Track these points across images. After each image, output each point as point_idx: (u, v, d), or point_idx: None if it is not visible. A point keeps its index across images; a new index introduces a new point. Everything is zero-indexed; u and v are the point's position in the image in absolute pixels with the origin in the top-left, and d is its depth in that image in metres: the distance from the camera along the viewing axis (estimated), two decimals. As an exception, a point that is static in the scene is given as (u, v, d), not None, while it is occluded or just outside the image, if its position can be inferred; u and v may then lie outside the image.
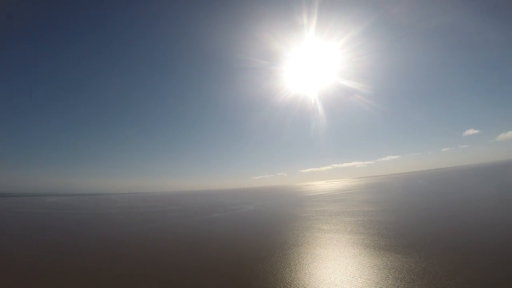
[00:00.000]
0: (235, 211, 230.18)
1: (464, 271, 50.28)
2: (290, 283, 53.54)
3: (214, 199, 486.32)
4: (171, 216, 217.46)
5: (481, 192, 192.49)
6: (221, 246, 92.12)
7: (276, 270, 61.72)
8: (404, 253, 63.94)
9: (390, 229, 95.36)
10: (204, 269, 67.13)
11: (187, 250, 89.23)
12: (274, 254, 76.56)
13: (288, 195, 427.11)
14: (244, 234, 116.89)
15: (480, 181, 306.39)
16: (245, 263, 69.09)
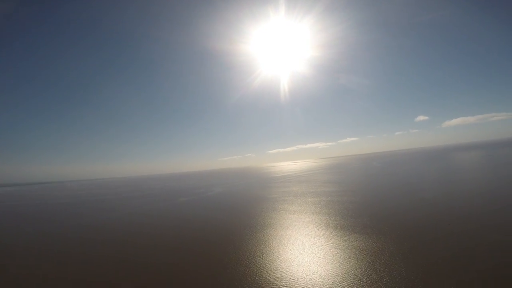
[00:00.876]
0: (202, 195, 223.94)
1: (415, 249, 56.19)
2: (262, 266, 54.53)
3: (179, 183, 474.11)
4: (134, 204, 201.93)
5: (425, 173, 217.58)
6: (189, 233, 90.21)
7: (247, 254, 62.37)
8: (363, 233, 69.24)
9: (350, 209, 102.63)
10: (169, 259, 65.13)
11: (150, 242, 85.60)
12: (244, 237, 77.39)
13: (255, 177, 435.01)
14: (212, 218, 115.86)
15: (425, 163, 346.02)
16: (214, 249, 68.69)
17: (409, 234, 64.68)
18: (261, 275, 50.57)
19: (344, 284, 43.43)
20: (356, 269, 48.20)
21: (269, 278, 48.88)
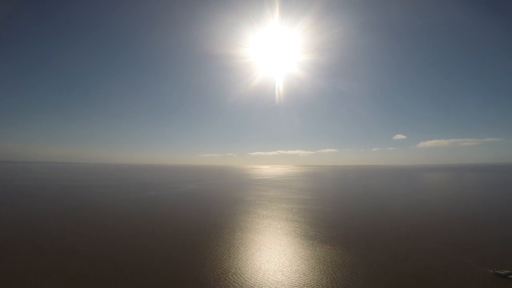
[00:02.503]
0: (174, 190, 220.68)
1: (377, 261, 57.98)
2: (227, 270, 53.46)
3: (153, 175, 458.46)
4: (100, 193, 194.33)
5: (394, 190, 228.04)
6: (150, 229, 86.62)
7: (213, 256, 60.95)
8: (330, 245, 70.64)
9: (320, 218, 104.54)
10: (123, 257, 61.94)
11: (109, 235, 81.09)
12: (212, 239, 75.72)
13: (234, 177, 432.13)
14: (182, 215, 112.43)
15: (396, 180, 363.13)
16: (177, 249, 66.41)
17: (372, 249, 66.80)
18: (225, 279, 49.55)
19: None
20: (319, 281, 48.73)
21: (233, 283, 47.97)
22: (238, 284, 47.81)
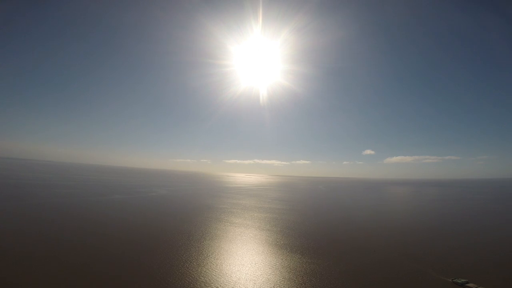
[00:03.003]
0: (142, 194, 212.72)
1: (345, 271, 59.78)
2: (196, 278, 51.51)
3: (121, 178, 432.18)
4: (59, 193, 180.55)
5: (361, 201, 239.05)
6: (113, 234, 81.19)
7: (181, 264, 58.47)
8: (300, 254, 71.62)
9: (291, 228, 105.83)
10: (80, 259, 57.24)
11: (67, 238, 74.69)
12: (181, 246, 72.74)
13: (207, 183, 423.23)
14: (148, 221, 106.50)
15: (363, 192, 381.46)
16: (142, 256, 62.76)
17: (340, 258, 68.83)
18: (192, 289, 47.67)
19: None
20: (288, 290, 48.88)
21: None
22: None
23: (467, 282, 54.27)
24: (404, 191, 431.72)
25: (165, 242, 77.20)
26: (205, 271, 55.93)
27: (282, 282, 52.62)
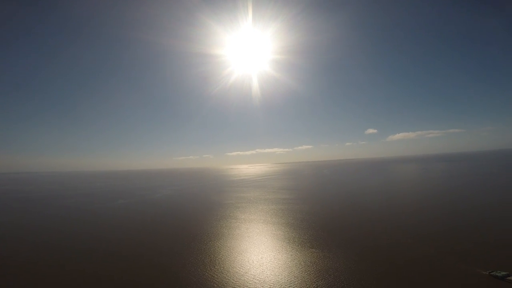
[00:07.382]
0: (146, 197, 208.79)
1: (360, 264, 55.66)
2: (204, 281, 47.80)
3: (124, 182, 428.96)
4: (63, 204, 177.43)
5: (367, 183, 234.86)
6: (122, 242, 78.06)
7: (190, 266, 55.35)
8: (311, 247, 68.30)
9: (299, 218, 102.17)
10: (98, 269, 53.57)
11: (74, 246, 71.46)
12: (189, 248, 69.68)
13: (211, 179, 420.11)
14: (154, 225, 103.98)
15: (368, 173, 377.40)
16: (153, 260, 59.33)
17: (350, 249, 64.91)
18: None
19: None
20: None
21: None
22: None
23: (509, 275, 46.71)
24: (410, 169, 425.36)
25: (173, 246, 73.95)
26: (212, 274, 53.13)
27: (294, 279, 48.60)
